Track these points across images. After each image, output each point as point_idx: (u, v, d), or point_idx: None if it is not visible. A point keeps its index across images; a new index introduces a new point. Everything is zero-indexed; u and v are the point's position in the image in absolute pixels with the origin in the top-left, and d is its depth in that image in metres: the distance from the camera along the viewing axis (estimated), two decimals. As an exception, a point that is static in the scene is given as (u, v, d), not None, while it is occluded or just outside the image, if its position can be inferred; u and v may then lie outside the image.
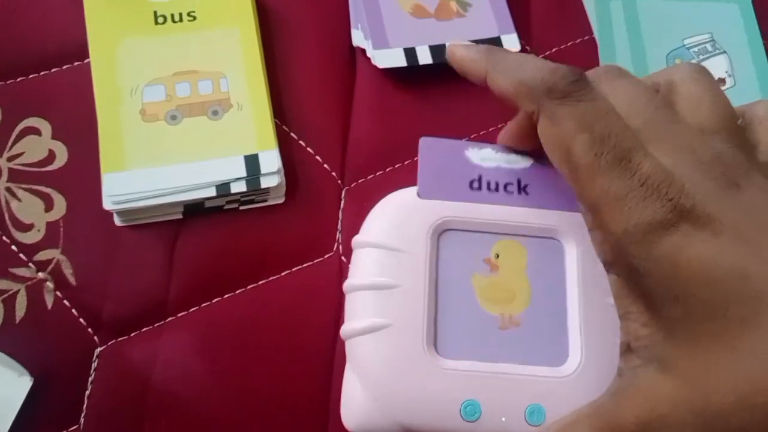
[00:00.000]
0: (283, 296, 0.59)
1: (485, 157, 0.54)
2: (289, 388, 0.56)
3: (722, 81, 0.66)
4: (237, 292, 0.59)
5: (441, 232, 0.52)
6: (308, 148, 0.64)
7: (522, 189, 0.53)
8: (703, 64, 0.66)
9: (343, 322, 0.51)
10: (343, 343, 0.51)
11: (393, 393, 0.48)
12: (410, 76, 0.67)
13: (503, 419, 0.48)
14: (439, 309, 0.50)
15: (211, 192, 0.58)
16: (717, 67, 0.68)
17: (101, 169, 0.58)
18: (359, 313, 0.50)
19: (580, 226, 0.51)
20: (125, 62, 0.62)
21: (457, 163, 0.53)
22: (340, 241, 0.61)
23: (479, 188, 0.53)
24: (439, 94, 0.67)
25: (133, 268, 0.59)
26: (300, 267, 0.60)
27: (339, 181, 0.63)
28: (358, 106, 0.67)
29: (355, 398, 0.49)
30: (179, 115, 0.61)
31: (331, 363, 0.57)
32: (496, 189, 0.53)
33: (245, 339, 0.57)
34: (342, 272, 0.58)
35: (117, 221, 0.59)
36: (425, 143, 0.54)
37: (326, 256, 0.61)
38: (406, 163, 0.64)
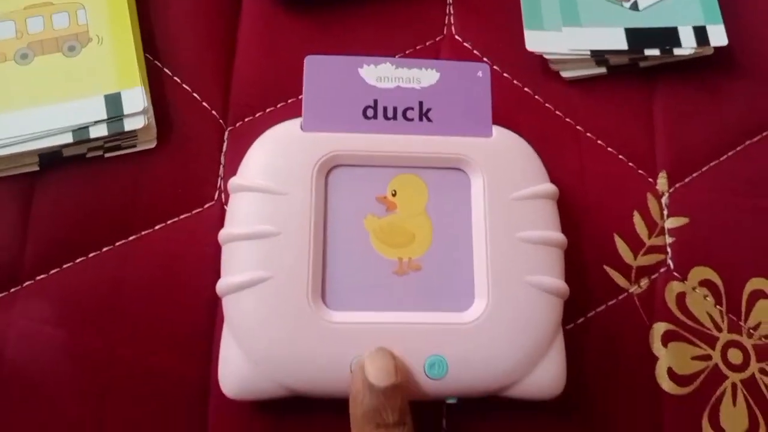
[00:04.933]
0: (157, 253, 0.56)
1: (383, 74, 0.51)
2: (163, 357, 0.53)
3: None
4: (103, 250, 0.56)
5: (329, 169, 0.49)
6: (185, 85, 0.60)
7: (424, 114, 0.50)
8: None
9: (221, 277, 0.48)
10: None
11: (274, 353, 0.46)
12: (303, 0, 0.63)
13: None
14: (328, 257, 0.48)
15: (68, 138, 0.55)
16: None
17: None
18: (236, 266, 0.48)
19: (487, 152, 0.49)
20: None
21: (350, 85, 0.50)
22: (222, 188, 0.58)
23: (374, 116, 0.50)
24: (335, 21, 0.64)
25: (-18, 229, 0.55)
26: (176, 219, 0.57)
27: (221, 121, 0.60)
28: (244, 37, 0.63)
29: (233, 361, 0.47)
30: (31, 53, 0.57)
31: (211, 327, 0.54)
32: (394, 116, 0.50)
33: (113, 303, 0.54)
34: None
35: (-36, 176, 0.55)
36: (312, 63, 0.50)
37: (206, 206, 0.57)
38: (299, 97, 0.60)
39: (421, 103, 0.50)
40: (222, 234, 0.49)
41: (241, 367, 0.47)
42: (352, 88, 0.50)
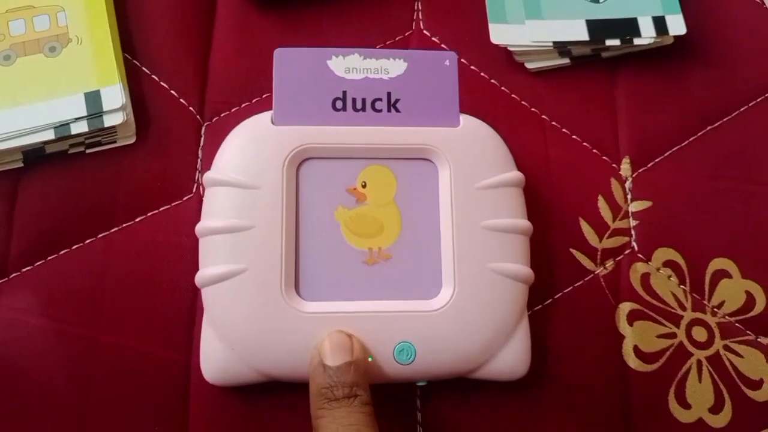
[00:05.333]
0: (138, 244, 0.57)
1: (351, 65, 0.52)
2: (145, 343, 0.55)
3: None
4: (87, 242, 0.57)
5: (300, 162, 0.51)
6: (162, 83, 0.62)
7: (392, 105, 0.52)
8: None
9: (201, 269, 0.49)
10: None
11: (250, 342, 0.48)
12: (276, -3, 0.65)
13: (369, 359, 0.48)
14: (301, 249, 0.49)
15: (50, 135, 0.56)
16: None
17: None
18: (213, 258, 0.49)
19: (454, 142, 0.51)
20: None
21: (319, 77, 0.51)
22: (199, 181, 0.59)
23: (343, 108, 0.51)
24: (310, 17, 0.65)
25: (-32, 224, 0.56)
26: (155, 212, 0.58)
27: (198, 117, 0.61)
28: (219, 33, 0.64)
29: (212, 349, 0.49)
30: (13, 54, 0.59)
31: (192, 315, 0.56)
32: (363, 107, 0.51)
33: (96, 293, 0.56)
34: (203, 216, 0.56)
35: (-49, 174, 0.57)
36: (281, 55, 0.51)
37: (185, 199, 0.59)
38: (273, 92, 0.61)
39: (389, 94, 0.52)
40: (199, 227, 0.50)
41: (220, 355, 0.48)
42: (321, 79, 0.51)
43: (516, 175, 0.52)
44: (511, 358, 0.50)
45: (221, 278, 0.48)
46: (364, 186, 0.51)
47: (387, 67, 0.52)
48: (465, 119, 0.52)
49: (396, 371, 0.48)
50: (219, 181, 0.50)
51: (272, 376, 0.48)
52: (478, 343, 0.49)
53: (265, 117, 0.51)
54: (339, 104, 0.51)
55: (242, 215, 0.49)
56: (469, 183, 0.50)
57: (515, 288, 0.50)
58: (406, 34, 0.65)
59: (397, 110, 0.51)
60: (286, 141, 0.50)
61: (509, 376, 0.50)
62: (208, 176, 0.51)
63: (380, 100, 0.51)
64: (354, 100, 0.51)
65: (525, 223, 0.51)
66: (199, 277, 0.49)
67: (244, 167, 0.50)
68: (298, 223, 0.49)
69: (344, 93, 0.51)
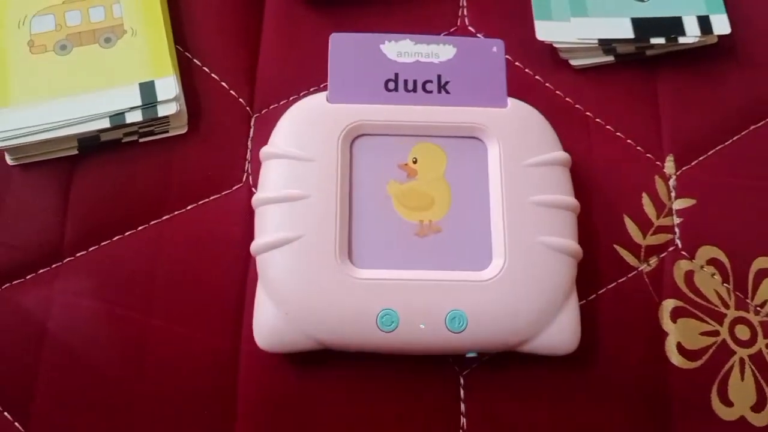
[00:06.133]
0: (189, 232, 0.58)
1: (403, 50, 0.53)
2: (193, 330, 0.56)
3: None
4: (139, 229, 0.58)
5: (354, 138, 0.52)
6: (213, 75, 0.64)
7: (442, 87, 0.53)
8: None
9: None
10: (254, 280, 0.52)
11: (305, 306, 0.48)
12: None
13: (422, 326, 0.48)
14: (354, 218, 0.51)
15: (105, 123, 0.58)
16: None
17: (-15, 106, 0.56)
18: (269, 226, 0.50)
19: (503, 122, 0.52)
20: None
21: (372, 60, 0.53)
22: (249, 171, 0.61)
23: (395, 89, 0.53)
24: (356, 13, 0.67)
25: (26, 209, 0.59)
26: (206, 200, 0.60)
27: (248, 108, 0.63)
28: (269, 28, 0.66)
29: (266, 315, 0.50)
30: (69, 44, 0.60)
31: (240, 302, 0.57)
32: (414, 88, 0.53)
33: (147, 279, 0.57)
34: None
35: (9, 160, 0.59)
36: (336, 40, 0.53)
37: (235, 188, 0.60)
38: (321, 86, 0.63)
39: (439, 77, 0.53)
40: (255, 198, 0.51)
41: (274, 321, 0.49)
42: (374, 62, 0.53)
43: (563, 154, 0.53)
44: (562, 331, 0.50)
45: (277, 245, 0.49)
46: (415, 162, 0.52)
47: (437, 51, 0.53)
48: (512, 101, 0.54)
49: (447, 340, 0.48)
50: (275, 154, 0.51)
51: (324, 342, 0.49)
52: (529, 313, 0.49)
53: (320, 96, 0.53)
54: (391, 85, 0.53)
55: (298, 185, 0.50)
56: (518, 160, 0.51)
57: (565, 262, 0.51)
58: (451, 30, 0.66)
59: (447, 92, 0.53)
60: (340, 117, 0.51)
61: (559, 351, 0.51)
62: (264, 150, 0.52)
63: (431, 81, 0.53)
64: (405, 82, 0.53)
65: (572, 200, 0.52)
66: (255, 245, 0.50)
67: (301, 142, 0.51)
68: (351, 194, 0.51)
69: (396, 75, 0.53)
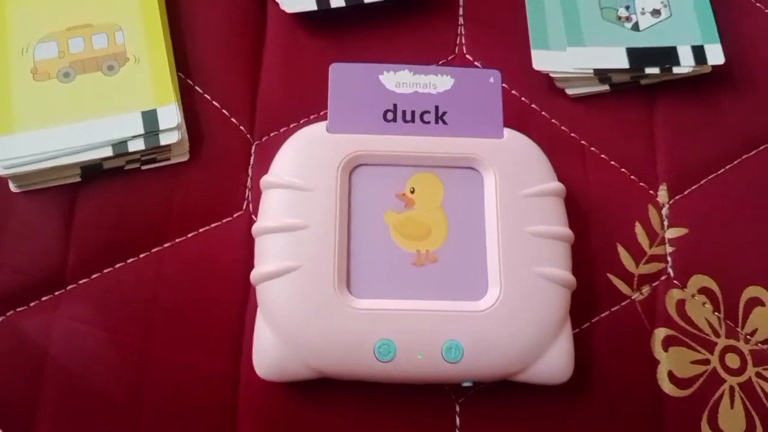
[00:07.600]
0: (190, 259, 0.59)
1: (401, 80, 0.55)
2: (194, 357, 0.56)
3: (657, 12, 0.67)
4: (141, 256, 0.59)
5: (352, 167, 0.53)
6: (214, 102, 0.64)
7: (440, 117, 0.54)
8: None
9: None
10: (254, 307, 0.53)
11: (303, 336, 0.49)
12: (324, 22, 0.67)
13: (419, 356, 0.49)
14: (352, 248, 0.51)
15: (108, 152, 0.58)
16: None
17: (-11, 133, 0.57)
18: (268, 256, 0.51)
19: (499, 153, 0.53)
20: (16, 18, 0.62)
21: (371, 91, 0.54)
22: (250, 199, 0.61)
23: (394, 119, 0.54)
24: (356, 41, 0.68)
25: (29, 236, 0.59)
26: (207, 227, 0.60)
27: (248, 136, 0.64)
28: (269, 55, 0.67)
29: (266, 344, 0.50)
30: (72, 72, 0.61)
31: (240, 328, 0.57)
32: (412, 119, 0.54)
33: (148, 306, 0.57)
34: (252, 232, 0.58)
35: (12, 187, 0.59)
36: (336, 70, 0.54)
37: (235, 215, 0.61)
38: (321, 113, 0.64)
39: (437, 107, 0.54)
40: (255, 227, 0.52)
41: (273, 350, 0.50)
42: (374, 93, 0.54)
43: (558, 185, 0.54)
44: (556, 361, 0.51)
45: (276, 274, 0.50)
46: (412, 192, 0.53)
47: (435, 82, 0.54)
48: (508, 132, 0.55)
49: (444, 370, 0.49)
50: (276, 183, 0.52)
51: (322, 371, 0.49)
52: (523, 344, 0.50)
53: (320, 126, 0.54)
54: (390, 115, 0.54)
55: (297, 215, 0.51)
56: (514, 191, 0.52)
57: (559, 292, 0.52)
58: (450, 58, 0.67)
59: (444, 122, 0.54)
60: (340, 147, 0.52)
61: (553, 380, 0.51)
62: (265, 179, 0.53)
63: (428, 112, 0.54)
64: (404, 112, 0.54)
65: (567, 231, 0.53)
66: (255, 274, 0.51)
67: (300, 171, 0.52)
68: (350, 224, 0.52)
69: (395, 105, 0.54)
